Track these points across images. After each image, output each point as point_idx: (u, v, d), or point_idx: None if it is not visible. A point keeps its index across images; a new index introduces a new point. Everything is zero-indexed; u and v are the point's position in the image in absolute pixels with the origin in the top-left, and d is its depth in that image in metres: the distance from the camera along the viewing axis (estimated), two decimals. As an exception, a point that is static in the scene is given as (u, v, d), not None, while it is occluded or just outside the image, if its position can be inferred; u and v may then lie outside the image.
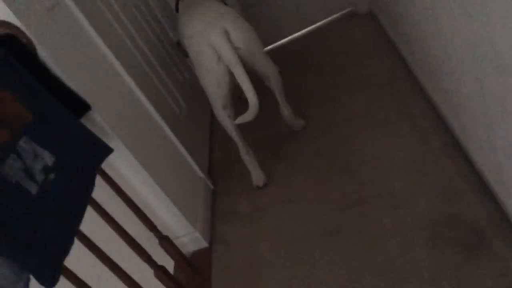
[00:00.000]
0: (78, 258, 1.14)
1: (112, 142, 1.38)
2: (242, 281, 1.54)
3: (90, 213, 1.26)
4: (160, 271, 1.46)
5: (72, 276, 1.09)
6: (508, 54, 0.86)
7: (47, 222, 1.00)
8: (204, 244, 1.73)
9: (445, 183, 1.47)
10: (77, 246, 1.14)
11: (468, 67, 1.15)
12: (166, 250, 1.58)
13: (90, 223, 1.26)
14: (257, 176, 1.86)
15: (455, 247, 1.29)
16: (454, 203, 1.40)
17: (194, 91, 2.24)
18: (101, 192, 1.34)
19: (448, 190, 1.44)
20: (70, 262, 1.08)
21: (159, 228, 1.59)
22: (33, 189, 1.01)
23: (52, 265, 0.97)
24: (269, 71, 1.80)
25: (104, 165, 1.36)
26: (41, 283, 0.94)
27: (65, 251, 1.02)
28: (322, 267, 1.45)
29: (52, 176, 1.07)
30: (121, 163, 1.46)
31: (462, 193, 1.41)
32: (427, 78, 1.72)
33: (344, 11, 2.59)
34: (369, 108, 1.91)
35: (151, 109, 1.71)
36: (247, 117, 1.61)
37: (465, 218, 1.34)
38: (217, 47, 1.56)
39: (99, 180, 1.33)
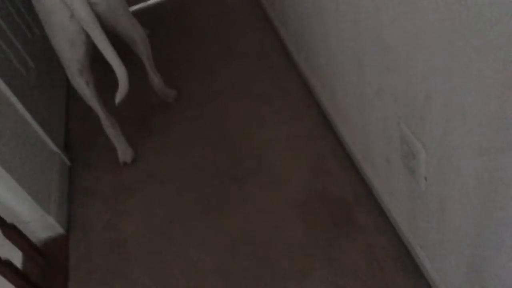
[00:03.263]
0: None
1: None
2: (105, 270, 1.38)
3: None
4: (2, 266, 1.22)
5: None
6: (387, 32, 0.85)
7: None
8: (59, 230, 1.51)
9: (317, 160, 1.49)
10: None
11: (346, 43, 1.15)
12: (11, 240, 1.33)
13: None
14: (124, 151, 1.68)
15: (326, 224, 1.32)
16: (325, 181, 1.43)
17: (46, 50, 1.92)
18: None
19: (320, 167, 1.47)
20: None
21: (2, 214, 1.33)
22: None
23: None
24: (136, 34, 1.60)
25: None
26: None
27: None
28: (196, 248, 1.37)
29: None
30: None
31: (333, 170, 1.45)
32: (300, 54, 1.72)
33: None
34: (245, 80, 1.85)
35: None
36: (122, 91, 1.42)
37: (335, 195, 1.38)
38: (68, 0, 1.31)
39: None
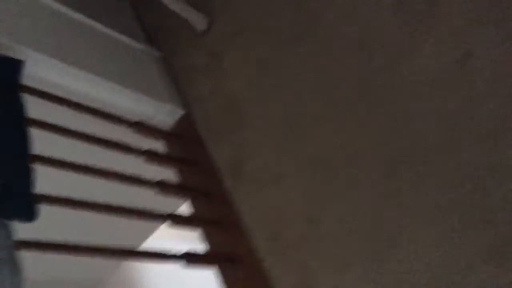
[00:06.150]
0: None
1: (17, 52, 1.19)
2: (230, 127, 1.48)
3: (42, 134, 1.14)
4: (147, 155, 1.39)
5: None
6: None
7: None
8: (180, 112, 1.64)
9: None
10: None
11: None
12: (145, 134, 1.50)
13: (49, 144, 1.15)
14: (197, 20, 1.66)
15: None
16: None
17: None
18: (44, 109, 1.20)
19: None
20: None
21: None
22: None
23: (20, 199, 0.88)
24: None
25: (30, 82, 1.19)
26: (22, 220, 0.87)
27: (25, 180, 0.92)
28: (302, 84, 1.36)
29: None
30: (44, 71, 1.28)
31: None
32: None
33: None
34: None
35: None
36: None
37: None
38: None
39: (34, 100, 1.18)
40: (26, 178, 0.93)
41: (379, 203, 1.10)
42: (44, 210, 0.94)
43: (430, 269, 0.98)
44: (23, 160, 0.98)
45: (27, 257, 0.89)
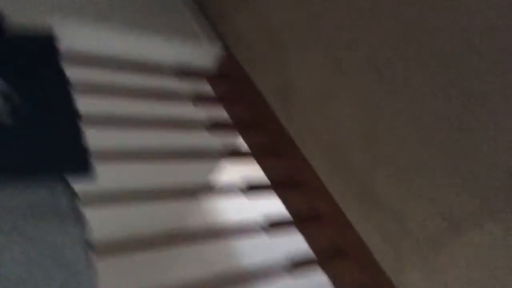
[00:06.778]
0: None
1: (50, 26, 1.22)
2: (272, 54, 1.42)
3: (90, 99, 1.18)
4: (196, 99, 1.40)
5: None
6: None
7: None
8: (220, 51, 1.61)
9: None
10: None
11: None
12: (191, 79, 1.50)
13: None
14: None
15: None
16: None
17: None
18: (87, 76, 1.24)
19: None
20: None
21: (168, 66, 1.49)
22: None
23: (74, 156, 0.94)
24: None
25: (68, 52, 1.23)
26: (80, 177, 0.92)
27: (78, 138, 0.97)
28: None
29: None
30: (79, 38, 1.31)
31: None
32: None
33: None
34: None
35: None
36: None
37: None
38: None
39: (76, 69, 1.22)
40: (78, 137, 0.99)
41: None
42: (102, 170, 0.98)
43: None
44: (73, 121, 1.03)
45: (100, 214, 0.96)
